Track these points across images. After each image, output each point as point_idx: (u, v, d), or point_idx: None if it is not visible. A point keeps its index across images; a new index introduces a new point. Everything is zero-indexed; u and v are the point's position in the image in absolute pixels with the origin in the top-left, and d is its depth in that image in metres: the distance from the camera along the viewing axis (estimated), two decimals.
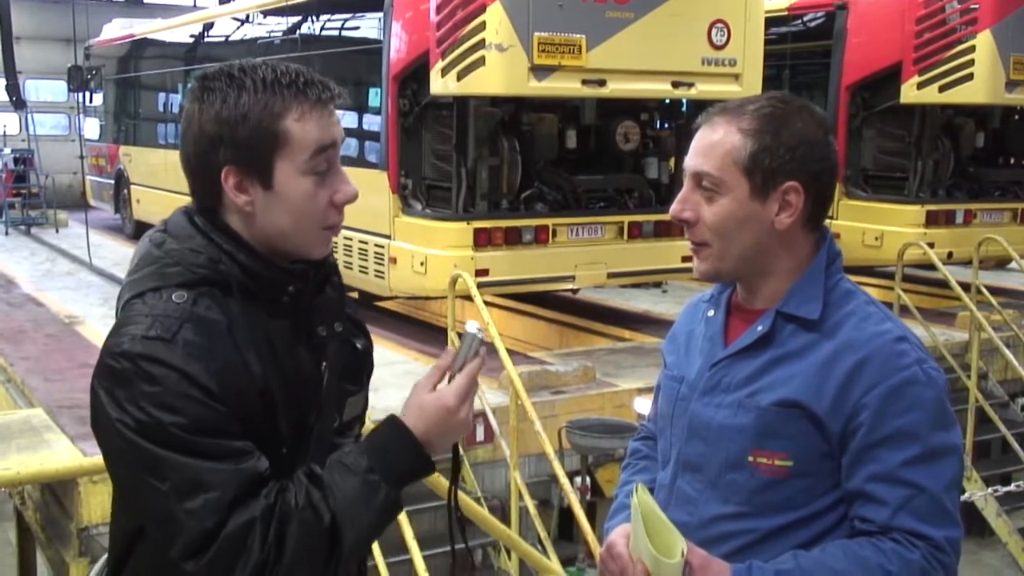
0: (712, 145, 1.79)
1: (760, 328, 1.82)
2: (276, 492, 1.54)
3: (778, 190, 1.77)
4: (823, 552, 1.69)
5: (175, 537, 1.49)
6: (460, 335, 1.73)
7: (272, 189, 1.61)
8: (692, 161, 1.82)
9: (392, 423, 1.64)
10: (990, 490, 6.89)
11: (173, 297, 1.58)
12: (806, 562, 1.68)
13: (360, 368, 1.84)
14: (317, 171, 1.62)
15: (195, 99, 1.62)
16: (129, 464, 1.53)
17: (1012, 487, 6.83)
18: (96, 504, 4.81)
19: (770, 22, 8.72)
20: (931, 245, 8.30)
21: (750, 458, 1.77)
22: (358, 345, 1.82)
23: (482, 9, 6.85)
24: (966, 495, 6.49)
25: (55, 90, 20.04)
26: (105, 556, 1.87)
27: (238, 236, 1.64)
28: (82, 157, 14.17)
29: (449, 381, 1.65)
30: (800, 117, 1.79)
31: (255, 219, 1.63)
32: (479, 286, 6.18)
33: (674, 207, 1.84)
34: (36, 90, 19.86)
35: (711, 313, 1.94)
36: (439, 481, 3.83)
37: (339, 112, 1.68)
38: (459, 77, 6.97)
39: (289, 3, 9.69)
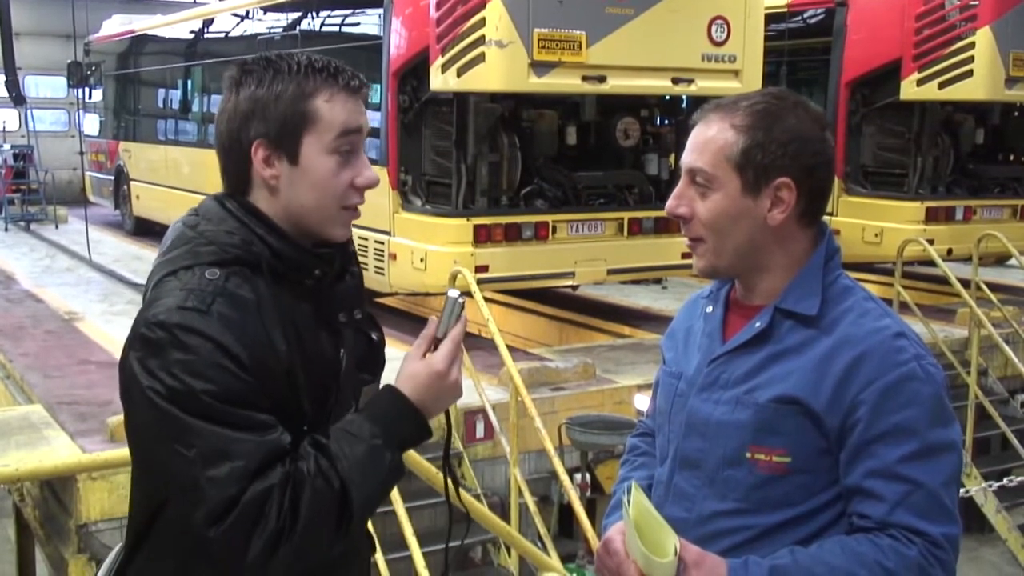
0: (706, 141, 1.80)
1: (758, 324, 1.82)
2: (289, 462, 1.60)
3: (770, 186, 1.77)
4: (820, 548, 1.69)
5: (197, 504, 1.53)
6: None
7: (298, 165, 1.70)
8: (687, 157, 1.83)
9: (390, 392, 1.71)
10: (985, 485, 6.89)
11: (206, 274, 1.65)
12: (803, 558, 1.68)
13: (374, 359, 1.92)
14: (341, 151, 1.71)
15: (233, 83, 1.72)
16: (157, 432, 1.57)
17: (1005, 482, 6.84)
18: (95, 501, 4.81)
19: (770, 18, 8.71)
20: (931, 241, 8.30)
21: (748, 454, 1.77)
22: (373, 337, 1.90)
23: (482, 5, 6.86)
24: (963, 491, 6.50)
25: (55, 86, 20.01)
26: (114, 551, 1.91)
27: (268, 219, 1.71)
28: (82, 153, 14.16)
29: (435, 348, 1.72)
30: (794, 113, 1.79)
31: (279, 194, 1.72)
32: (479, 282, 6.18)
33: (669, 203, 1.86)
34: (36, 86, 19.84)
35: (710, 309, 1.94)
36: (438, 478, 3.83)
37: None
38: (459, 73, 6.97)
39: None
